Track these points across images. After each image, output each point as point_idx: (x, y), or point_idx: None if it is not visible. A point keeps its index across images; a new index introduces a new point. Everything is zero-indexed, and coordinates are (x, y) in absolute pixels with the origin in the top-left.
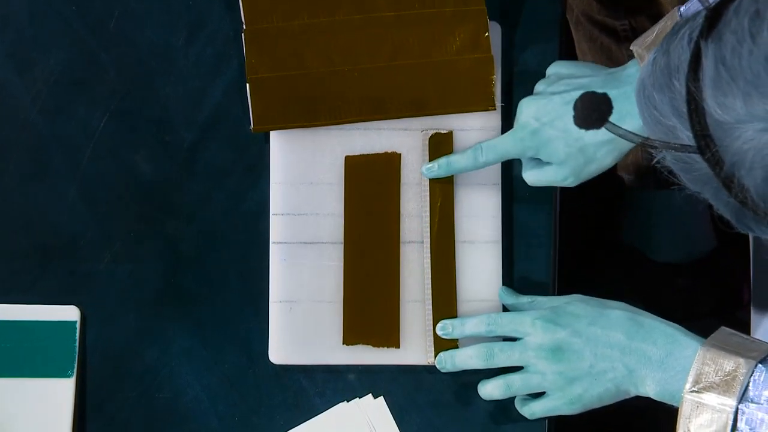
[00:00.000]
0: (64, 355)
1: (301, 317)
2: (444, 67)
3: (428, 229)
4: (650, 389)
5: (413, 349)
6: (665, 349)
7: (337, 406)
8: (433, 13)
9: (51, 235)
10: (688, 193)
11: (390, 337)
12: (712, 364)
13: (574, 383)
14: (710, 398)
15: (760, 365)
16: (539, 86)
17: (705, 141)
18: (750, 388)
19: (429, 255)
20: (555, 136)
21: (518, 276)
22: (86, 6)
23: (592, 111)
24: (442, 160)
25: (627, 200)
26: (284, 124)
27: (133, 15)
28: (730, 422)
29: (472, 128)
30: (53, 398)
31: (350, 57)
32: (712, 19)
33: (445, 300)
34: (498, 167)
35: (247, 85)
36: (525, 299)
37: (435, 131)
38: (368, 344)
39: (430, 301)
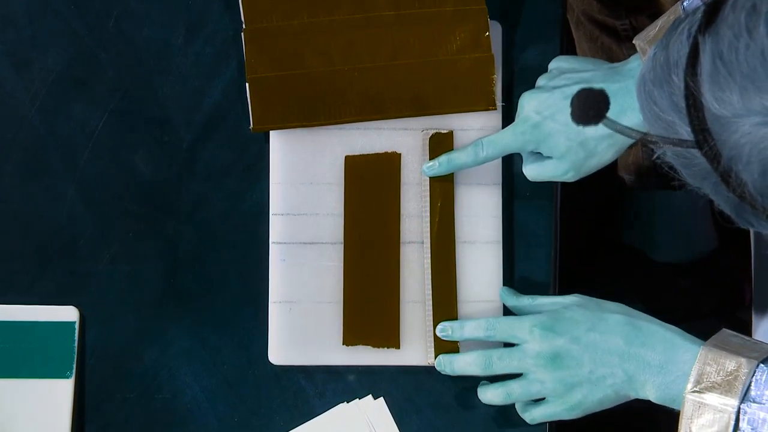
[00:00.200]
0: (63, 356)
1: (301, 318)
2: (444, 67)
3: (428, 230)
4: (650, 393)
5: (413, 349)
6: (664, 354)
7: (336, 407)
8: (434, 12)
9: (50, 235)
10: (688, 191)
11: (390, 338)
12: (714, 364)
13: (574, 390)
14: (712, 398)
15: (762, 365)
16: (541, 80)
17: (703, 135)
18: (752, 387)
19: (429, 255)
20: (556, 130)
21: (518, 276)
22: (85, 5)
23: (589, 107)
24: (443, 157)
25: (628, 200)
26: (284, 124)
27: (132, 14)
28: (732, 422)
29: (473, 128)
30: (52, 399)
31: (350, 56)
32: (710, 14)
33: (445, 300)
34: (498, 166)
35: (247, 84)
36: (526, 299)
37: (435, 131)
38: (368, 345)
39: (431, 302)
